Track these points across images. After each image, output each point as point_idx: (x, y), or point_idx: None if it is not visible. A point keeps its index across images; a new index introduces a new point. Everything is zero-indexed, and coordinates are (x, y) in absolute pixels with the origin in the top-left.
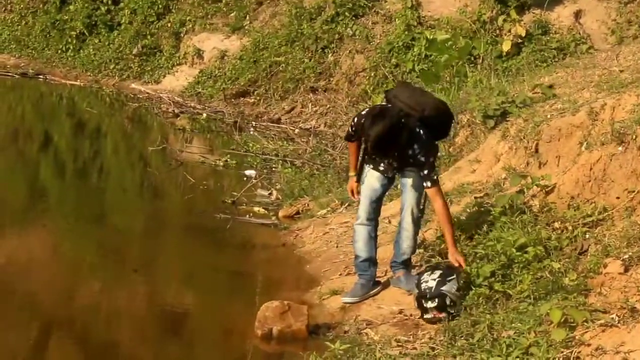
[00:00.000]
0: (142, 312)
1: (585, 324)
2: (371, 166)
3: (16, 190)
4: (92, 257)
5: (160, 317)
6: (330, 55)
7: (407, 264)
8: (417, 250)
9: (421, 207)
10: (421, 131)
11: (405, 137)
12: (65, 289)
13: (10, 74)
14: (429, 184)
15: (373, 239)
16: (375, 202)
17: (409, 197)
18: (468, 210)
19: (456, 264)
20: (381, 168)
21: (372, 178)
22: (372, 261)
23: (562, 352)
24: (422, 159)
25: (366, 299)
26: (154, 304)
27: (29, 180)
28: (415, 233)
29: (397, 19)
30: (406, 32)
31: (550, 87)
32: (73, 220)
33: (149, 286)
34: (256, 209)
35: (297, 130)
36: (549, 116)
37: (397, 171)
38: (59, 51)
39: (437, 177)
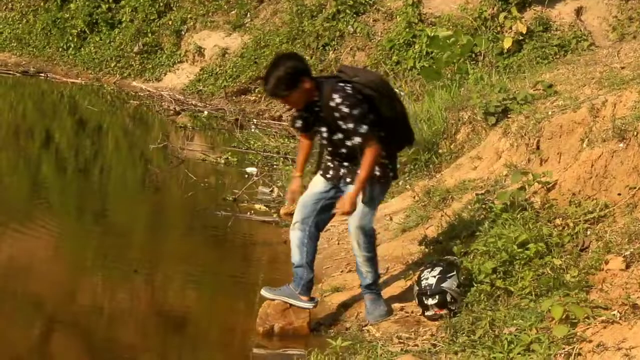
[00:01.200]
0: (144, 309)
1: (587, 320)
2: (320, 172)
3: (18, 188)
4: (94, 255)
5: (162, 315)
6: (331, 52)
7: (373, 288)
8: (419, 247)
9: (368, 228)
10: (346, 87)
11: (314, 86)
12: (68, 287)
13: (11, 72)
14: (357, 139)
15: (305, 244)
16: (311, 206)
17: (352, 219)
18: (469, 207)
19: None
20: (328, 175)
21: (315, 181)
22: (304, 267)
23: (564, 348)
24: (346, 110)
25: (278, 299)
26: (155, 301)
27: (30, 179)
28: (370, 257)
29: (398, 16)
30: (407, 30)
31: (552, 84)
32: (74, 218)
33: (150, 284)
34: (257, 206)
35: None
36: (550, 113)
37: (340, 174)
38: (60, 49)
39: (366, 131)
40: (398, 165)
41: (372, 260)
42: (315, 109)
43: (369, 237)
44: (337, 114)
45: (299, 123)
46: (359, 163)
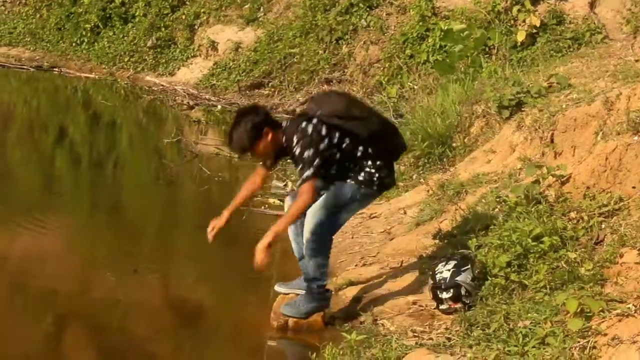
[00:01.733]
0: (157, 303)
1: (602, 313)
2: None
3: (31, 182)
4: (107, 249)
5: (175, 309)
6: (344, 46)
7: (313, 285)
8: (433, 241)
9: (316, 228)
10: (309, 125)
11: (279, 135)
12: (81, 281)
13: (25, 67)
14: (299, 182)
15: (300, 234)
16: None
17: (307, 214)
18: (483, 200)
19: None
20: None
21: None
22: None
23: (579, 341)
24: (298, 150)
25: (292, 293)
26: (168, 295)
27: (44, 173)
28: (313, 256)
29: (411, 10)
30: (420, 23)
31: (565, 77)
32: (88, 212)
33: (163, 278)
34: (271, 200)
35: None
36: (564, 106)
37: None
38: (74, 44)
39: (309, 174)
40: (394, 173)
41: (317, 260)
42: (288, 155)
43: (316, 239)
44: (292, 159)
45: (267, 161)
46: (352, 168)
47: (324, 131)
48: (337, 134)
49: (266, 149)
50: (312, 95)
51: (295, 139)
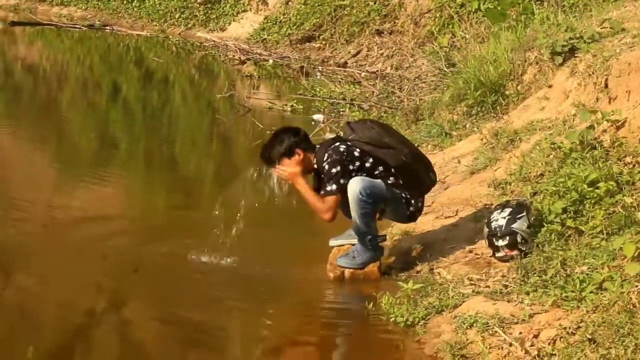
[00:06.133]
0: (214, 260)
1: None
2: None
3: (87, 139)
4: (165, 205)
5: (231, 265)
6: None
7: (362, 239)
8: (488, 189)
9: (367, 191)
10: (341, 146)
11: (309, 157)
12: (141, 237)
13: (77, 26)
14: (322, 192)
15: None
16: None
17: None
18: (538, 147)
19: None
20: None
21: None
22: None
23: (637, 286)
24: (326, 167)
25: (347, 244)
26: (224, 248)
27: (99, 130)
28: (359, 217)
29: None
30: None
31: (619, 21)
32: (144, 168)
33: (217, 233)
34: None
35: (363, 74)
36: (618, 51)
37: None
38: (125, 2)
39: (333, 189)
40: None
41: (365, 220)
42: (321, 176)
43: (370, 201)
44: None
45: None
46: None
47: (356, 153)
48: (370, 160)
49: (292, 167)
50: (348, 122)
51: (326, 156)
